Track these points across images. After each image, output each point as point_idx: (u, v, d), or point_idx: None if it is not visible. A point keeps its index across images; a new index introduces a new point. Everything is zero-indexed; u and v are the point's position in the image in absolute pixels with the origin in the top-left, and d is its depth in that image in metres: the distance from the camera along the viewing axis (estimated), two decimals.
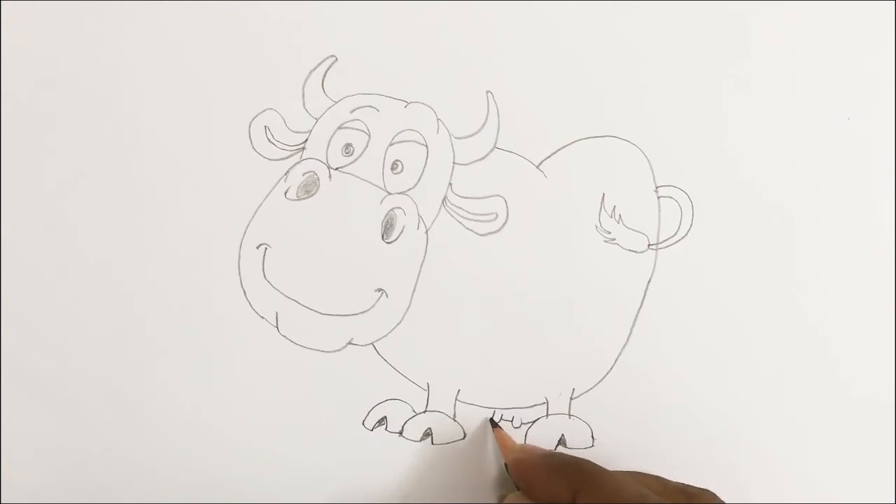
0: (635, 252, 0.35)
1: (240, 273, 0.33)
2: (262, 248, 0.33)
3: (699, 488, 0.31)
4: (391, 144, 0.34)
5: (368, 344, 0.34)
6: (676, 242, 0.35)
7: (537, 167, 0.35)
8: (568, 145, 0.35)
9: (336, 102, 0.34)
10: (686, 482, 0.31)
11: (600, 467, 0.30)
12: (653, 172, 0.35)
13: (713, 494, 0.30)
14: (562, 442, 0.35)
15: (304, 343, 0.34)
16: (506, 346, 0.35)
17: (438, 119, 0.34)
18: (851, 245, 0.36)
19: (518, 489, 0.33)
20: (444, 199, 0.34)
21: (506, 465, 0.33)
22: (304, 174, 0.33)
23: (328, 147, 0.34)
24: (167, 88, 0.33)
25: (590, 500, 0.28)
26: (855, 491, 0.37)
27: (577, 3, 0.34)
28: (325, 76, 0.33)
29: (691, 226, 0.35)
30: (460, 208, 0.34)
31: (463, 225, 0.34)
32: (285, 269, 0.33)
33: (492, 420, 0.35)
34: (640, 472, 0.31)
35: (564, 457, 0.32)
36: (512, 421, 0.35)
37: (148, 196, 0.33)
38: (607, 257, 0.35)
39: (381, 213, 0.34)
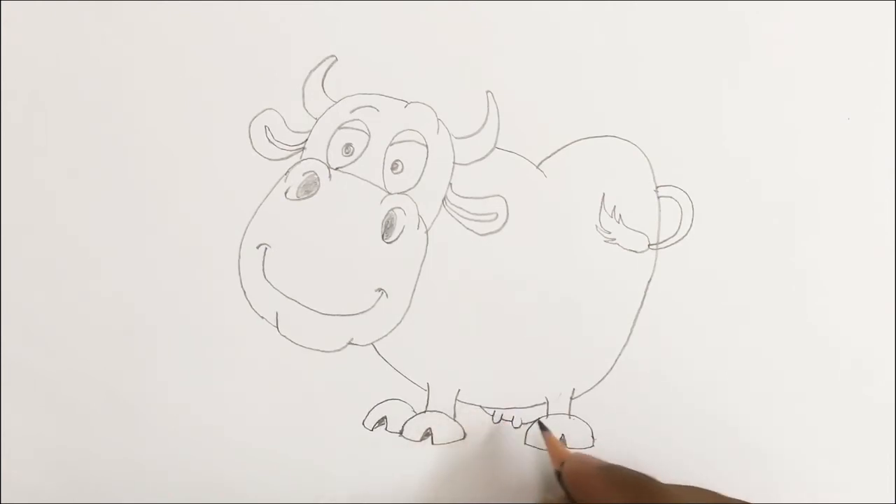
0: (635, 252, 0.35)
1: (240, 273, 0.33)
2: (262, 248, 0.33)
3: None
4: (391, 144, 0.34)
5: (368, 344, 0.34)
6: (676, 242, 0.35)
7: (537, 167, 0.35)
8: (568, 145, 0.35)
9: (336, 102, 0.34)
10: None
11: (660, 483, 0.30)
12: (653, 172, 0.35)
13: None
14: (562, 442, 0.35)
15: (304, 343, 0.34)
16: (506, 346, 0.35)
17: (438, 119, 0.34)
18: (852, 245, 0.36)
19: (568, 496, 0.32)
20: (444, 199, 0.34)
21: (557, 472, 0.33)
22: (304, 174, 0.33)
23: (328, 147, 0.34)
24: (167, 88, 0.33)
25: None
26: (855, 491, 0.37)
27: (577, 3, 0.34)
28: (325, 76, 0.33)
29: (691, 226, 0.35)
30: (460, 208, 0.34)
31: (463, 225, 0.34)
32: (285, 269, 0.33)
33: (541, 423, 0.35)
34: (697, 488, 0.31)
35: (624, 471, 0.31)
36: (512, 421, 0.35)
37: (148, 196, 0.33)
38: (607, 257, 0.35)
39: (381, 213, 0.34)
